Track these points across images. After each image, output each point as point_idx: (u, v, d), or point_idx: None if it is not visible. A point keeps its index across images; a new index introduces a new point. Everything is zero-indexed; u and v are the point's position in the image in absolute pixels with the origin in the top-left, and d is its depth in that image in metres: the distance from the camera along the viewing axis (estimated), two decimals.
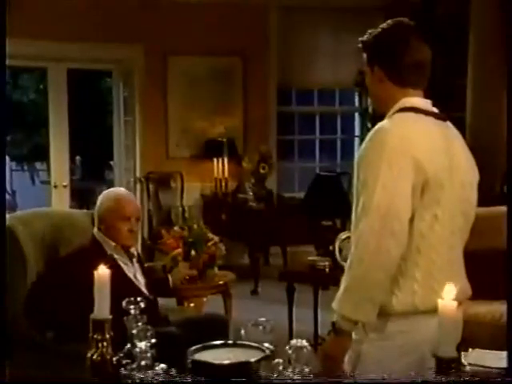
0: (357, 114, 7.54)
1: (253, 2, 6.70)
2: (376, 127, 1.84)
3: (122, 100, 6.79)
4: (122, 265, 2.93)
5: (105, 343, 1.51)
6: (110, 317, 1.54)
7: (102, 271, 1.53)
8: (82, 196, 10.06)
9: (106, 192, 3.07)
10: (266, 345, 1.63)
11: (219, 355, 1.61)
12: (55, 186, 6.41)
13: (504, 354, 1.91)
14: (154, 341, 1.62)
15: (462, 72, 6.37)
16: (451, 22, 6.31)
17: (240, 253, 6.40)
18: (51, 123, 6.42)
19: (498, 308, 3.65)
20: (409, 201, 1.76)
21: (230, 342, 1.68)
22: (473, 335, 3.30)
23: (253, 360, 1.56)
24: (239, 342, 1.67)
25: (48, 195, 6.61)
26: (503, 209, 4.21)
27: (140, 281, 2.99)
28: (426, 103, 1.90)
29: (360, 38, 1.95)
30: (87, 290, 2.36)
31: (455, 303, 1.45)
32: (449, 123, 1.95)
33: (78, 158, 11.01)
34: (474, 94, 6.34)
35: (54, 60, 6.21)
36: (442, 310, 1.44)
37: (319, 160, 7.73)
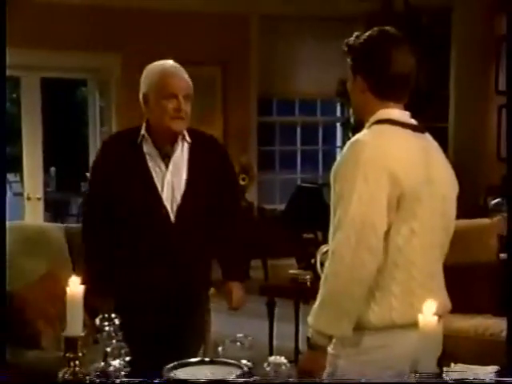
0: (338, 125, 7.58)
1: (233, 10, 6.72)
2: (352, 139, 1.85)
3: (98, 110, 6.76)
4: (150, 162, 2.44)
5: (77, 362, 1.49)
6: (83, 334, 1.52)
7: (74, 288, 1.51)
8: (56, 208, 9.98)
9: (149, 66, 2.57)
10: (244, 361, 1.63)
11: (196, 372, 1.60)
12: (28, 198, 6.34)
13: (488, 368, 1.92)
14: (128, 358, 1.60)
15: (445, 82, 6.45)
16: (434, 32, 6.38)
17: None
18: (24, 133, 6.35)
19: (482, 322, 3.68)
20: (384, 214, 1.77)
21: (207, 359, 1.68)
22: (456, 350, 3.32)
23: (230, 378, 1.56)
24: (216, 358, 1.66)
25: (21, 208, 6.55)
26: (486, 221, 4.26)
27: (169, 189, 2.42)
28: (403, 115, 1.91)
29: (346, 40, 1.94)
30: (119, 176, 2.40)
31: (436, 318, 1.46)
32: (427, 135, 1.96)
33: (52, 169, 10.93)
34: (456, 106, 6.42)
35: (27, 68, 6.17)
36: (422, 325, 1.45)
37: (300, 171, 7.76)
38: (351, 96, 1.97)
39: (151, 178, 2.41)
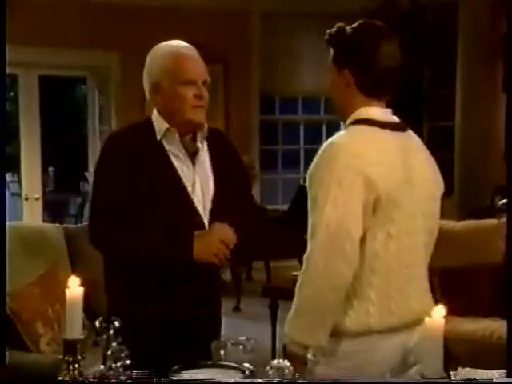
0: (342, 123, 7.57)
1: (234, 7, 6.73)
2: (327, 142, 1.82)
3: (98, 108, 6.77)
4: (176, 161, 2.13)
5: (76, 365, 1.49)
6: (82, 337, 1.52)
7: (74, 289, 1.51)
8: (55, 209, 9.98)
9: (155, 48, 2.22)
10: (247, 365, 1.63)
11: (198, 376, 1.60)
12: (26, 199, 6.35)
13: (496, 372, 1.91)
14: (128, 362, 1.60)
15: (451, 80, 6.45)
16: (439, 30, 6.38)
17: (221, 268, 6.37)
18: (22, 132, 6.37)
19: (489, 325, 3.67)
20: (360, 219, 1.74)
21: (208, 362, 1.68)
22: (463, 353, 3.32)
23: (232, 381, 1.56)
24: (218, 362, 1.67)
25: (19, 208, 6.56)
26: (493, 222, 4.26)
27: (199, 193, 2.14)
28: (383, 113, 1.87)
29: (328, 31, 1.90)
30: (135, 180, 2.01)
31: (443, 321, 1.45)
32: (409, 133, 1.93)
33: (50, 168, 10.94)
34: (462, 104, 6.41)
35: (25, 66, 6.18)
36: (428, 327, 1.45)
37: (304, 170, 7.75)
38: (332, 91, 1.92)
39: (180, 180, 2.11)
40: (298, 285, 1.80)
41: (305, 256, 1.78)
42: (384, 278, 1.79)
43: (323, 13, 6.96)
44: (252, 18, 6.93)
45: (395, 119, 1.90)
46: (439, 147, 6.73)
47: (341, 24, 1.90)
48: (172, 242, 2.09)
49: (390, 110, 1.90)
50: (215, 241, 2.12)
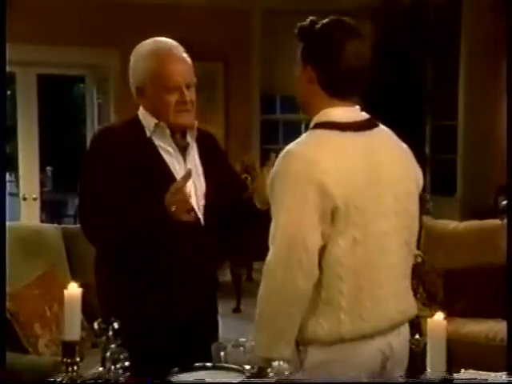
0: None
1: (234, 5, 6.73)
2: (285, 150, 1.78)
3: (97, 107, 6.77)
4: (166, 157, 2.14)
5: (75, 367, 1.50)
6: (81, 339, 1.53)
7: (72, 290, 1.52)
8: (53, 209, 10.00)
9: (139, 48, 2.23)
10: (247, 367, 1.63)
11: (198, 378, 1.61)
12: (24, 199, 6.36)
13: (499, 374, 1.92)
14: (127, 364, 1.60)
15: (454, 78, 6.44)
16: (442, 27, 6.37)
17: (221, 268, 6.38)
18: (20, 131, 6.37)
19: (493, 327, 3.67)
20: (316, 229, 1.70)
21: (208, 364, 1.68)
22: (466, 355, 3.32)
23: (234, 382, 1.56)
24: (219, 364, 1.67)
25: (16, 208, 6.56)
26: (497, 222, 4.26)
27: (191, 188, 2.13)
28: (347, 114, 1.81)
29: (299, 24, 1.88)
30: (127, 176, 2.02)
31: (445, 322, 1.46)
32: (378, 130, 1.86)
33: (48, 168, 10.95)
34: (466, 103, 6.40)
35: (23, 64, 6.18)
36: (430, 329, 1.45)
37: None
38: (297, 86, 1.89)
39: (171, 175, 2.11)
40: (258, 297, 1.77)
41: (264, 266, 1.75)
42: (353, 285, 1.75)
43: (325, 10, 6.95)
44: (252, 15, 6.93)
45: (362, 117, 1.85)
46: (442, 146, 6.76)
47: (313, 18, 1.87)
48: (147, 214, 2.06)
49: (357, 108, 1.85)
50: (170, 194, 2.03)
